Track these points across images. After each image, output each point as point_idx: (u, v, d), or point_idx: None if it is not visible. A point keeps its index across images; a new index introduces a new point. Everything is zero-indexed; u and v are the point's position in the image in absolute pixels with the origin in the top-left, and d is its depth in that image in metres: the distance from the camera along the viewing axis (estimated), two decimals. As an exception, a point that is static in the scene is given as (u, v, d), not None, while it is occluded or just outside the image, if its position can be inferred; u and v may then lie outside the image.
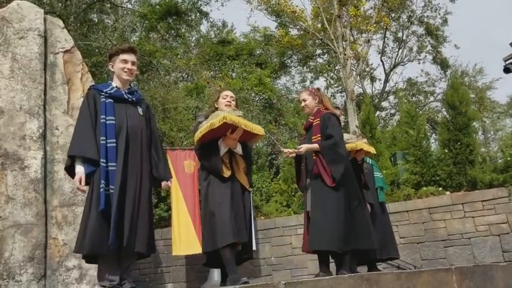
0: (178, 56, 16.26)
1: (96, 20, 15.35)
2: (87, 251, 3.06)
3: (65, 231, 5.41)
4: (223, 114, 3.69)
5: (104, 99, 3.30)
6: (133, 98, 3.46)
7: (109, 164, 3.14)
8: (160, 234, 9.11)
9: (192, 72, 14.99)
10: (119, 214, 3.09)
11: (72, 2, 13.02)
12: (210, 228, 3.63)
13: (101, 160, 3.14)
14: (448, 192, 9.31)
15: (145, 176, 3.36)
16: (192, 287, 8.76)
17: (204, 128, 3.76)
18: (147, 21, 17.27)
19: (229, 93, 4.15)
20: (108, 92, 3.34)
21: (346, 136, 4.90)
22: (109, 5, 15.86)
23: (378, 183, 6.00)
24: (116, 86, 3.43)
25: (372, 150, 5.19)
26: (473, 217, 8.49)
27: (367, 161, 6.06)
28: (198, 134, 3.80)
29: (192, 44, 18.60)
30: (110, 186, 3.11)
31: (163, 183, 3.51)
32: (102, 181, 3.08)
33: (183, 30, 18.10)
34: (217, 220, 3.59)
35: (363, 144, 4.96)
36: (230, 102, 4.06)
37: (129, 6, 18.18)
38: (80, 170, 3.17)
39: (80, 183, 3.15)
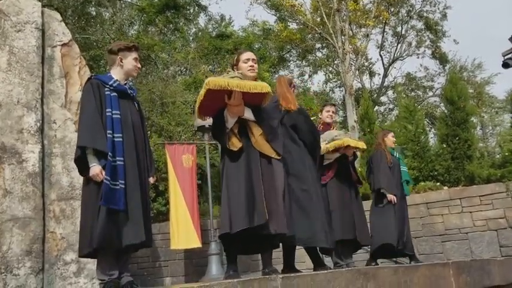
0: (177, 50, 16.22)
1: (94, 13, 15.26)
2: (96, 245, 2.99)
3: (62, 225, 5.41)
4: (207, 80, 3.18)
5: (108, 92, 3.23)
6: (134, 94, 3.44)
7: (117, 158, 3.09)
8: (159, 229, 9.11)
9: (190, 66, 14.96)
10: (134, 209, 3.09)
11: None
12: (224, 211, 3.22)
13: (108, 154, 3.08)
14: (445, 187, 9.33)
15: (147, 170, 3.37)
16: (190, 280, 8.77)
17: (197, 100, 3.33)
18: (145, 15, 17.20)
19: (251, 55, 3.57)
20: (113, 85, 3.28)
21: (334, 133, 4.92)
22: (107, -2, 15.78)
23: (404, 176, 6.15)
24: (117, 80, 3.36)
25: (361, 145, 5.19)
26: (470, 212, 8.51)
27: (394, 155, 6.19)
28: (195, 108, 3.41)
29: (191, 38, 18.56)
30: (120, 182, 3.07)
31: (150, 179, 3.48)
32: (107, 176, 3.02)
33: (181, 23, 18.04)
34: (231, 202, 3.19)
35: (349, 140, 4.97)
36: (254, 66, 3.52)
37: (127, -1, 18.08)
38: (95, 162, 3.09)
39: (101, 173, 3.06)
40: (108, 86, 3.24)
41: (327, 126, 5.14)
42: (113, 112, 3.16)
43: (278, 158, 3.38)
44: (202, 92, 3.16)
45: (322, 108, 5.31)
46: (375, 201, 6.00)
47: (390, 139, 6.30)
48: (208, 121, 8.69)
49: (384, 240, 5.67)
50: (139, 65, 3.45)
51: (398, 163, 6.21)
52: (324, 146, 4.63)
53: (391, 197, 5.79)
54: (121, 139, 3.14)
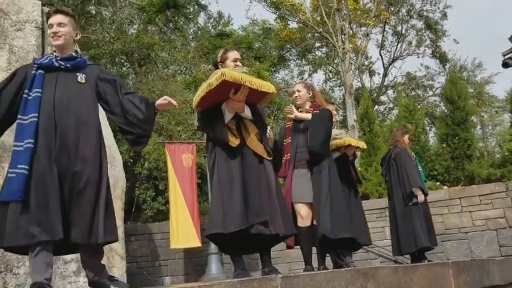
0: (177, 49, 16.20)
1: (94, 12, 15.27)
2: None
3: (62, 224, 5.40)
4: (222, 71, 3.10)
5: (34, 72, 2.81)
6: (68, 64, 2.88)
7: (22, 142, 2.66)
8: (158, 228, 9.13)
9: (190, 65, 14.95)
10: (45, 201, 2.59)
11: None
12: (217, 209, 3.12)
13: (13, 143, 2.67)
14: (445, 187, 9.34)
15: (83, 154, 2.74)
16: (190, 280, 8.78)
17: (201, 89, 3.18)
18: (145, 14, 17.16)
19: (238, 55, 3.57)
20: (39, 62, 2.86)
21: (335, 131, 4.91)
22: (107, -3, 15.79)
23: (422, 177, 6.17)
24: (55, 55, 2.93)
25: (362, 145, 5.18)
26: (470, 212, 8.52)
27: (412, 154, 6.24)
28: (195, 98, 3.22)
29: (190, 37, 18.54)
30: (19, 166, 2.60)
31: (163, 103, 2.90)
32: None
33: (181, 22, 18.02)
34: (224, 201, 3.09)
35: (351, 139, 4.96)
36: (239, 66, 3.52)
37: (127, -2, 18.08)
38: None
39: None
40: (34, 65, 2.86)
41: None
42: (33, 91, 2.75)
43: (269, 158, 3.38)
44: (215, 82, 3.07)
45: None
46: (404, 201, 5.91)
47: (407, 138, 6.31)
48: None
49: (429, 244, 5.80)
50: (52, 30, 2.91)
51: (416, 163, 6.24)
52: None
53: (422, 197, 5.82)
54: (35, 119, 2.69)
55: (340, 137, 4.88)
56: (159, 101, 2.92)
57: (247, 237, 3.15)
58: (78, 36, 3.07)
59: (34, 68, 2.83)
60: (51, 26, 2.91)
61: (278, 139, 4.50)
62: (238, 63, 3.50)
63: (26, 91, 2.75)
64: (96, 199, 2.74)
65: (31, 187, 2.59)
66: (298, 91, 4.42)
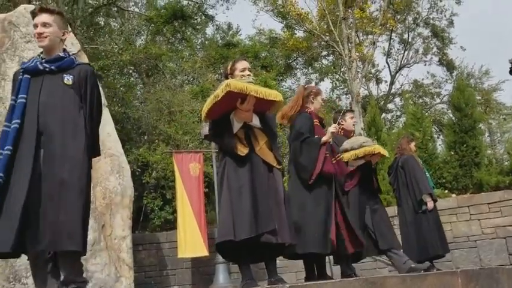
0: (184, 59, 16.33)
1: (103, 23, 15.44)
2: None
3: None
4: (227, 82, 3.15)
5: (21, 77, 2.74)
6: (53, 66, 2.78)
7: (3, 148, 2.58)
8: (166, 237, 9.14)
9: (197, 75, 15.05)
10: (17, 210, 2.49)
11: (78, 6, 13.12)
12: (227, 217, 3.12)
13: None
14: (453, 195, 9.28)
15: (70, 160, 2.64)
16: (197, 289, 8.78)
17: (209, 101, 3.24)
18: (153, 25, 17.35)
19: (246, 64, 3.54)
20: (24, 66, 2.78)
21: (362, 139, 4.87)
22: (115, 9, 15.96)
23: (430, 183, 6.17)
24: (42, 57, 2.83)
25: (386, 153, 5.18)
26: (479, 220, 8.45)
27: (421, 163, 6.27)
28: (204, 110, 3.29)
29: (198, 47, 18.69)
30: None
31: None
32: None
33: (188, 33, 18.18)
34: (234, 209, 3.11)
35: (380, 147, 4.93)
36: (250, 74, 3.51)
37: (136, 9, 18.28)
38: None
39: None
40: (21, 70, 2.78)
41: (348, 133, 5.13)
42: (19, 97, 2.68)
43: (279, 167, 3.39)
44: (221, 93, 3.12)
45: (344, 116, 5.12)
46: (414, 208, 5.91)
47: (413, 146, 6.33)
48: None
49: (441, 251, 5.82)
50: (36, 31, 2.80)
51: (424, 170, 6.26)
52: (352, 152, 4.61)
53: (432, 203, 5.82)
54: (17, 125, 2.61)
55: (368, 144, 4.83)
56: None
57: (255, 246, 3.16)
58: (66, 35, 2.96)
59: (20, 73, 2.76)
60: (35, 26, 2.81)
61: (303, 126, 4.10)
62: (247, 71, 3.47)
63: (13, 97, 2.69)
64: (84, 207, 2.67)
65: (10, 194, 2.52)
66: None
